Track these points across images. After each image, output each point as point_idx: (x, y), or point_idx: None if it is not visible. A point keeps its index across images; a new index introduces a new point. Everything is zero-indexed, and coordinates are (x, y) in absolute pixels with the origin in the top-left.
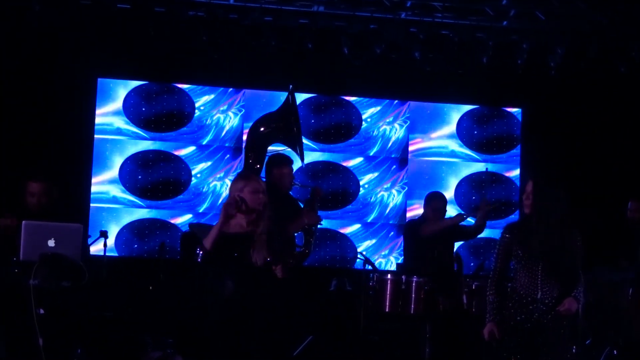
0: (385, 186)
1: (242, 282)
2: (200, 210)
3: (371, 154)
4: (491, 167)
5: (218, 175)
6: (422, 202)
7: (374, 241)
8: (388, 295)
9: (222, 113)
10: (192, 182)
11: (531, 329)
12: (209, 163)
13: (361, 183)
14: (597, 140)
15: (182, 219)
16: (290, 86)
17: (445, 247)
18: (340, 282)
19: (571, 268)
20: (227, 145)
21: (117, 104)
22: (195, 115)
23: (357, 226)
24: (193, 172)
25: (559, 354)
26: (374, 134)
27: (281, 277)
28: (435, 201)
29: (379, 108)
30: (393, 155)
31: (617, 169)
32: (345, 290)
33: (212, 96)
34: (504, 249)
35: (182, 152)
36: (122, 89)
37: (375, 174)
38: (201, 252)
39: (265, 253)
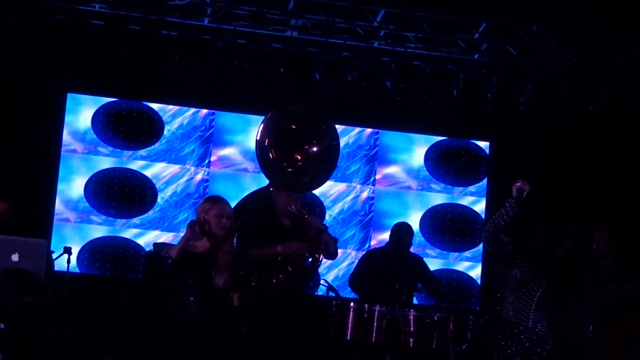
0: (351, 213)
1: (204, 303)
2: (166, 230)
3: (337, 181)
4: (457, 198)
5: (185, 194)
6: (387, 231)
7: (337, 269)
8: (350, 323)
9: (191, 133)
10: (157, 201)
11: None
12: (176, 182)
13: (327, 211)
14: (563, 176)
15: (147, 238)
16: None
17: (397, 279)
18: None
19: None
20: (195, 164)
21: (86, 119)
22: (164, 133)
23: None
24: (159, 191)
25: None
26: (342, 161)
27: (237, 305)
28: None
29: (348, 135)
30: (360, 183)
31: (584, 203)
32: None
33: (183, 116)
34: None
35: (149, 170)
36: (92, 105)
37: (341, 202)
38: (169, 260)
39: (227, 276)
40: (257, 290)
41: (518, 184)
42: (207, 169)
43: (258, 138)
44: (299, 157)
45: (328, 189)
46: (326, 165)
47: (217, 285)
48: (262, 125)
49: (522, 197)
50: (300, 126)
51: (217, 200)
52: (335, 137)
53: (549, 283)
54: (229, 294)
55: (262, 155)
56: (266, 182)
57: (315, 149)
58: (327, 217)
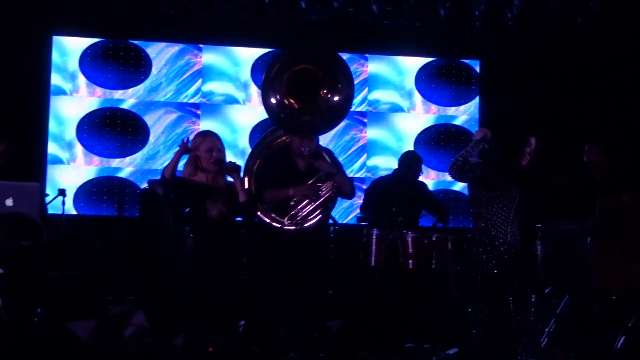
0: (345, 140)
1: (200, 234)
2: (160, 167)
3: None
4: (450, 119)
5: (177, 130)
6: (382, 156)
7: None
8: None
9: (180, 69)
10: (150, 139)
11: (500, 275)
12: (167, 119)
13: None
14: (555, 89)
15: (141, 176)
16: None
17: (404, 206)
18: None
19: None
20: (185, 99)
21: (74, 61)
22: (152, 71)
23: None
24: (151, 128)
25: (524, 300)
26: None
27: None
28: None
29: None
30: (353, 109)
31: (575, 118)
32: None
33: (170, 52)
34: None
35: (140, 109)
36: (78, 46)
37: (335, 130)
38: (161, 179)
39: (221, 206)
40: (268, 228)
41: (482, 131)
42: (197, 103)
43: (270, 77)
44: (308, 98)
45: None
46: (328, 118)
47: (212, 216)
48: (275, 65)
49: (485, 140)
50: (321, 72)
51: (207, 135)
52: (349, 98)
53: (522, 196)
54: (223, 225)
55: (271, 95)
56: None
57: (327, 98)
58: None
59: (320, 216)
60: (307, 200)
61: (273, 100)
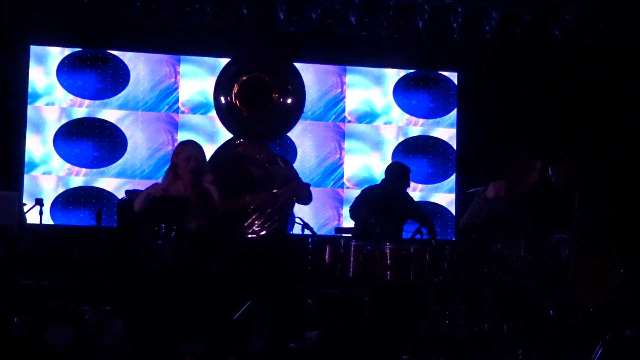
0: (324, 152)
1: (178, 247)
2: (138, 177)
3: (309, 119)
4: (428, 130)
5: (155, 141)
6: (360, 166)
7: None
8: (327, 259)
9: (157, 79)
10: (127, 149)
11: (517, 289)
12: (146, 130)
13: (299, 149)
14: (532, 102)
15: (119, 186)
16: None
17: (383, 217)
18: None
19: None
20: (163, 110)
21: (51, 71)
22: (130, 81)
23: None
24: (129, 139)
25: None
26: (311, 99)
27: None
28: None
29: (314, 73)
30: (331, 120)
31: (551, 130)
32: None
33: (148, 62)
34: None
35: (118, 119)
36: (56, 56)
37: (314, 141)
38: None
39: (199, 218)
40: (233, 238)
41: (496, 186)
42: (176, 115)
43: (223, 78)
44: (260, 105)
45: (299, 130)
46: (280, 122)
47: (191, 229)
48: (231, 67)
49: (498, 197)
50: (271, 78)
51: (187, 144)
52: (301, 100)
53: (529, 211)
54: (202, 237)
55: (222, 96)
56: None
57: (279, 102)
58: (298, 154)
59: (278, 222)
60: (264, 207)
61: (222, 100)
